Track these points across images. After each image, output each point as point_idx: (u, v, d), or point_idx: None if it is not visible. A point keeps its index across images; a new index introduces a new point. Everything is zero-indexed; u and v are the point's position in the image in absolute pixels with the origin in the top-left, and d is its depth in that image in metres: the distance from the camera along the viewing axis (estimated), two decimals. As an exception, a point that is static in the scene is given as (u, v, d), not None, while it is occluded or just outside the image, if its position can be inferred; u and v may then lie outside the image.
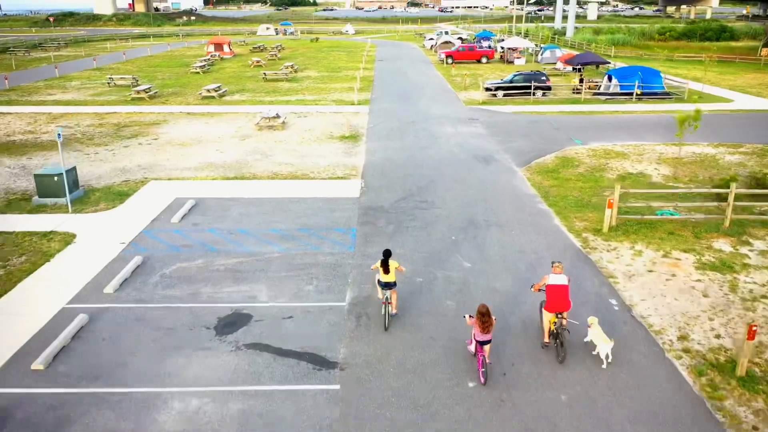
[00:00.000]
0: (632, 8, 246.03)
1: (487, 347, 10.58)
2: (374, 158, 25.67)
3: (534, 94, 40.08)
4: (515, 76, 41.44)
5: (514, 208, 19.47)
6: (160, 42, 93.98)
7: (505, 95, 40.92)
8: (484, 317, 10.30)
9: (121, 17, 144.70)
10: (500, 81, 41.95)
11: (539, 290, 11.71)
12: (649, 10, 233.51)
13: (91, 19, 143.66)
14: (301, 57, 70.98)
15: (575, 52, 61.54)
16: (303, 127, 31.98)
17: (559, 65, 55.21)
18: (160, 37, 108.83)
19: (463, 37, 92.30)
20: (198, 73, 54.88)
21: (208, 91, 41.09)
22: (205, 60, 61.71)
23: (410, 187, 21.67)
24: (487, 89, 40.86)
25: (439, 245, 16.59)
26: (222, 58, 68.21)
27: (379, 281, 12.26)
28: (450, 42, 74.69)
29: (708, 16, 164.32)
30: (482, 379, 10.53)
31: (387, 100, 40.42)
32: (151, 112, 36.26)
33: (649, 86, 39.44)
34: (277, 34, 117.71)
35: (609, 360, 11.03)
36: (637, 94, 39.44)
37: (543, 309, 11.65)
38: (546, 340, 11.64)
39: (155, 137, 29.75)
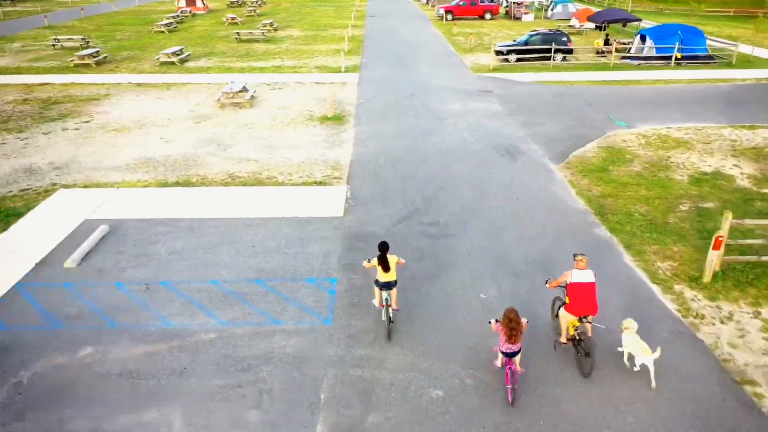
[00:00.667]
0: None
1: (516, 358, 8.68)
2: (364, 150, 19.71)
3: (554, 58, 33.77)
4: (531, 36, 35.02)
5: (562, 236, 13.73)
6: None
7: (518, 59, 34.62)
8: (512, 323, 8.32)
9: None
10: (513, 43, 35.55)
11: (558, 286, 9.48)
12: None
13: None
14: (284, 13, 63.62)
15: (591, 8, 54.67)
16: (276, 104, 25.77)
17: (574, 22, 48.55)
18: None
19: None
20: (162, 32, 47.87)
21: (167, 55, 34.49)
22: (172, 17, 54.45)
23: (412, 198, 15.84)
24: (498, 53, 34.52)
25: (463, 313, 10.89)
26: (194, 15, 60.81)
27: (376, 281, 9.94)
28: (449, -5, 67.40)
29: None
30: (510, 398, 8.58)
31: (380, 66, 34.03)
32: (93, 83, 29.81)
33: (690, 48, 33.20)
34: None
35: (652, 375, 8.79)
36: (676, 58, 33.23)
37: (563, 310, 9.37)
38: (563, 340, 9.52)
39: (88, 119, 23.53)
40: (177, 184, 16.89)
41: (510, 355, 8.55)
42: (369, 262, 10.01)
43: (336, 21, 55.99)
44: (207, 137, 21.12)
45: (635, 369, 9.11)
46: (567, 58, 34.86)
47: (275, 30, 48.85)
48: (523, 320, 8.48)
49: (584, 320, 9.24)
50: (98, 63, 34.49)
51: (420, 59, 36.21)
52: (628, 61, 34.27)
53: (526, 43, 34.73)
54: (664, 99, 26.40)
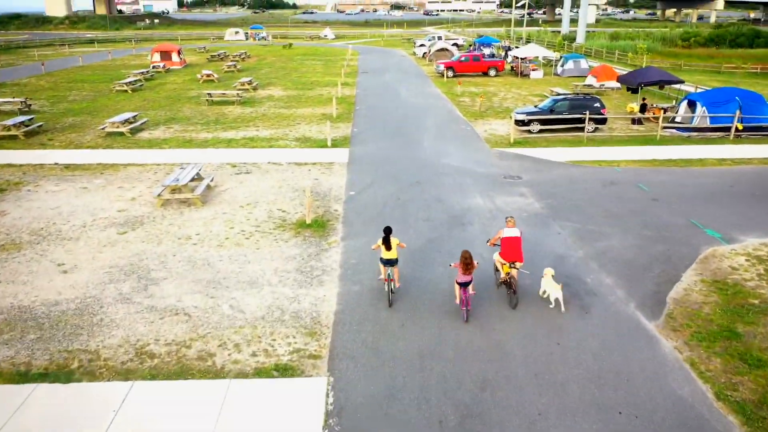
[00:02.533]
0: (625, 11, 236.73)
1: (469, 286, 11.55)
2: (356, 289, 13.15)
3: (586, 128, 27.80)
4: (556, 102, 29.14)
5: None
6: (106, 48, 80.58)
7: (542, 129, 28.62)
8: (467, 260, 11.21)
9: (75, 20, 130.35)
10: (535, 109, 29.62)
11: (494, 245, 12.57)
12: (641, 13, 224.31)
13: (40, 21, 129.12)
14: (267, 68, 58.16)
15: (610, 65, 49.45)
16: (239, 199, 19.29)
17: (592, 81, 43.11)
18: (112, 42, 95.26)
19: (459, 43, 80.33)
20: (125, 91, 41.85)
21: (116, 124, 28.17)
22: (141, 73, 48.65)
23: (442, 405, 9.14)
24: (520, 122, 28.46)
25: None
26: (168, 71, 55.13)
27: (381, 259, 12.20)
28: (446, 49, 62.63)
29: (712, 19, 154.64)
30: (465, 317, 11.55)
31: (375, 138, 27.85)
32: (7, 164, 23.29)
33: (752, 118, 27.35)
34: (246, 39, 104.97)
35: (561, 304, 11.97)
36: (736, 130, 27.32)
37: (498, 255, 12.35)
38: (501, 278, 12.41)
39: (-29, 226, 16.87)
40: (41, 376, 10.09)
41: (464, 285, 11.49)
42: (376, 244, 12.18)
43: (324, 78, 50.40)
44: (126, 263, 14.44)
45: (551, 305, 12.17)
46: (599, 127, 28.91)
47: (254, 89, 42.98)
48: (475, 261, 11.47)
49: (513, 266, 11.97)
50: (28, 134, 28.12)
51: (423, 128, 30.12)
52: (676, 131, 28.33)
53: (551, 109, 28.79)
54: (746, 188, 20.22)
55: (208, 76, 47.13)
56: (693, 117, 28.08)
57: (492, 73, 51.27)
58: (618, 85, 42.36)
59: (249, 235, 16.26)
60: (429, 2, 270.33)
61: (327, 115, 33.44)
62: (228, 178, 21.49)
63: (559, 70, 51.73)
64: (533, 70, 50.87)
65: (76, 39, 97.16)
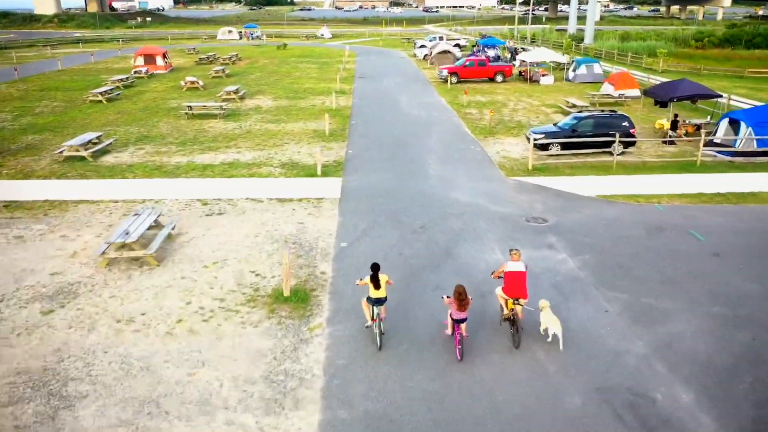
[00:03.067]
0: (627, 8, 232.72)
1: (463, 325, 10.96)
2: (342, 416, 9.55)
3: (614, 151, 24.23)
4: (579, 120, 25.56)
5: None
6: (91, 49, 76.80)
7: (561, 149, 25.04)
8: (461, 296, 10.61)
9: (64, 18, 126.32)
10: (555, 128, 26.02)
11: (498, 277, 11.78)
12: (644, 10, 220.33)
13: (28, 20, 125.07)
14: (258, 72, 54.44)
15: (629, 71, 45.75)
16: (203, 256, 15.68)
17: (608, 89, 39.48)
18: (99, 42, 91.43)
19: (461, 43, 76.65)
20: (99, 102, 38.16)
21: (74, 147, 24.55)
22: (120, 80, 44.93)
23: None
24: (539, 146, 24.80)
25: None
26: (151, 76, 51.39)
27: (369, 298, 11.22)
28: (448, 52, 58.99)
29: (719, 17, 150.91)
30: (459, 356, 10.92)
31: (372, 164, 24.24)
32: (-63, 203, 19.70)
33: (806, 140, 23.79)
34: (240, 38, 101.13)
35: (559, 339, 11.14)
36: (789, 154, 23.76)
37: (501, 290, 11.56)
38: (505, 315, 11.57)
39: None
40: None
41: (459, 322, 10.87)
42: (362, 280, 11.29)
43: (318, 84, 46.70)
44: (40, 367, 10.86)
45: (548, 339, 11.40)
46: (627, 150, 25.34)
47: (241, 99, 39.30)
48: (469, 297, 10.84)
49: (517, 303, 11.24)
50: (-27, 160, 24.48)
51: (426, 148, 26.49)
52: (717, 155, 24.74)
53: (573, 129, 25.17)
54: (824, 238, 16.62)
55: (192, 83, 43.44)
56: (736, 140, 24.45)
57: (499, 78, 47.61)
58: (638, 93, 38.82)
59: (209, 315, 12.66)
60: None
61: (319, 132, 29.81)
62: (195, 222, 17.87)
63: (571, 75, 48.11)
64: (543, 75, 47.21)
65: (61, 39, 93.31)
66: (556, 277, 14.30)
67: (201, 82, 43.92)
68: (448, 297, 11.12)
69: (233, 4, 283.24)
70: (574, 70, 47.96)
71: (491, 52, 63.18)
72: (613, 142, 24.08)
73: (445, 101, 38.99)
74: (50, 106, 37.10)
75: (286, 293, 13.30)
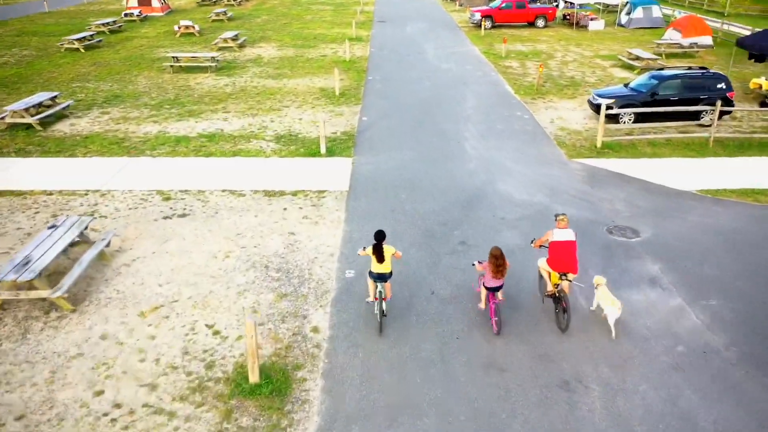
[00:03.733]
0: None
1: (499, 293, 9.41)
2: None
3: (699, 119, 18.60)
4: (658, 79, 19.73)
5: None
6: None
7: (635, 120, 19.39)
8: (498, 260, 8.98)
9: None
10: (626, 90, 20.23)
11: (540, 247, 9.86)
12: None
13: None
14: (265, 15, 48.26)
15: (699, 15, 38.74)
16: (142, 294, 10.79)
17: (673, 35, 33.03)
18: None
19: (493, -18, 68.67)
20: (77, 50, 32.82)
21: (18, 113, 19.50)
22: (105, 24, 39.29)
23: None
24: (601, 109, 19.08)
25: None
26: (144, 18, 45.57)
27: (370, 273, 9.38)
28: (480, -9, 51.98)
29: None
30: (495, 329, 9.41)
31: (391, 138, 18.85)
32: None
33: None
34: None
35: (612, 325, 9.31)
36: None
37: (545, 262, 9.71)
38: (549, 290, 9.69)
39: None
40: None
41: (494, 290, 9.27)
42: (364, 250, 9.50)
43: (331, 30, 40.62)
44: None
45: (603, 315, 9.68)
46: (721, 118, 19.60)
47: (240, 47, 33.62)
48: (507, 261, 9.16)
49: (564, 278, 9.42)
50: None
51: (462, 116, 20.95)
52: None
53: (652, 93, 19.38)
54: None
55: (187, 28, 37.70)
56: None
57: (540, 23, 40.99)
58: (710, 42, 32.40)
59: (124, 424, 7.77)
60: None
61: (327, 91, 24.32)
62: (146, 230, 12.88)
63: (624, 19, 41.28)
64: (592, 19, 40.49)
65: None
66: (677, 347, 9.14)
67: (197, 27, 38.14)
68: (480, 262, 9.51)
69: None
70: (628, 14, 41.11)
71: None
72: (705, 110, 18.33)
73: (480, 51, 32.91)
74: (18, 55, 31.87)
75: (253, 379, 8.35)
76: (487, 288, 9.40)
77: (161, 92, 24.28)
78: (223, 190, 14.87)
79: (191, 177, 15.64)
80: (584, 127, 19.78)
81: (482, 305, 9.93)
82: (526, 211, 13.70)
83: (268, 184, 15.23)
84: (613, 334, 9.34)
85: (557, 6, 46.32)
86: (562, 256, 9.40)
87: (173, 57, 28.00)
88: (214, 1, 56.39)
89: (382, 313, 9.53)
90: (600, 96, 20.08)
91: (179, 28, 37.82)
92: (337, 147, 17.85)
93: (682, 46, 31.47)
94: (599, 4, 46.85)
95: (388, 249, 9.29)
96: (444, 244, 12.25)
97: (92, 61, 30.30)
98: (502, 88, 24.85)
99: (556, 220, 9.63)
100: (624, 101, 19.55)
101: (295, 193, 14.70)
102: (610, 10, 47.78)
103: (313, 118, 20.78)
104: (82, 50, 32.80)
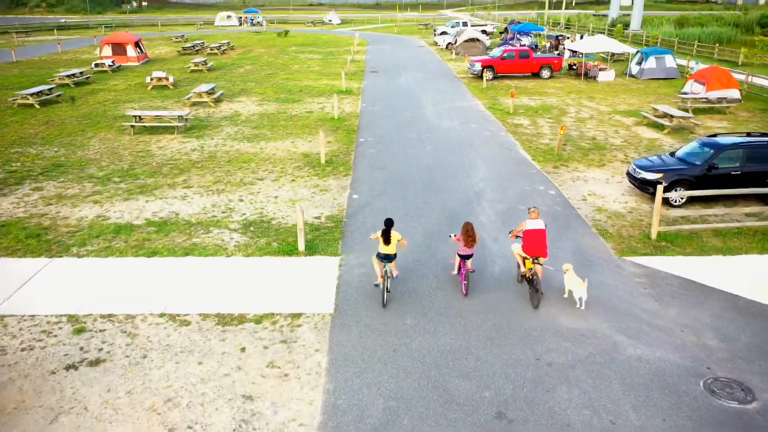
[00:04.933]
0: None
1: (469, 261, 11.20)
2: None
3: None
4: (711, 148, 16.16)
5: None
6: (66, 36, 67.80)
7: (688, 199, 15.68)
8: (469, 233, 10.89)
9: (53, 2, 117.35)
10: (672, 161, 16.63)
11: (516, 237, 11.45)
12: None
13: (15, 3, 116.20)
14: (249, 65, 45.13)
15: (725, 68, 35.86)
16: None
17: (697, 89, 29.89)
18: (84, 29, 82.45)
19: (488, 29, 66.75)
20: (31, 106, 29.12)
21: None
22: (71, 75, 35.75)
23: None
24: (646, 183, 15.29)
25: None
26: (117, 68, 42.23)
27: (378, 254, 10.97)
28: (477, 40, 49.50)
29: (763, 0, 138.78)
30: (464, 291, 11.26)
31: (388, 216, 14.84)
32: None
33: None
34: (240, 24, 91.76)
35: (583, 302, 10.83)
36: None
37: (520, 248, 11.32)
38: (523, 271, 11.40)
39: None
40: None
41: (465, 258, 11.15)
42: (375, 234, 11.01)
43: (319, 81, 37.36)
44: None
45: (578, 305, 10.95)
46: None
47: (216, 102, 30.08)
48: (476, 236, 11.11)
49: (536, 261, 10.92)
50: None
51: (474, 191, 17.18)
52: None
53: (710, 165, 15.72)
54: None
55: (160, 80, 34.25)
56: None
57: (545, 74, 37.97)
58: (738, 96, 29.20)
59: None
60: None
61: (312, 158, 20.58)
62: (33, 392, 8.77)
63: (634, 69, 38.39)
64: (602, 69, 37.51)
65: (41, 24, 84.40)
66: None
67: (171, 79, 34.72)
68: (455, 235, 11.31)
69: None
70: (639, 63, 38.21)
71: (525, 40, 53.50)
72: (779, 188, 14.66)
73: (484, 106, 29.55)
74: (-38, 112, 28.08)
75: None
76: (459, 255, 11.19)
77: (114, 159, 20.43)
78: (162, 314, 10.81)
79: (120, 292, 11.58)
80: (625, 207, 16.04)
81: (455, 272, 11.86)
82: (579, 350, 9.71)
83: (225, 302, 11.19)
84: (580, 306, 10.88)
85: (562, 55, 43.45)
86: (534, 243, 10.88)
87: (134, 116, 24.27)
88: (197, 50, 53.45)
89: (387, 290, 10.99)
90: (643, 168, 16.41)
91: (151, 79, 34.34)
92: (320, 240, 13.92)
93: (709, 101, 28.22)
94: (604, 53, 44.21)
95: (395, 235, 10.83)
96: (472, 414, 8.18)
97: (45, 119, 26.56)
98: (516, 153, 21.22)
99: (528, 211, 11.18)
100: (674, 176, 15.87)
101: (259, 320, 10.66)
102: (616, 59, 45.09)
103: (293, 195, 16.93)
104: (37, 105, 29.10)
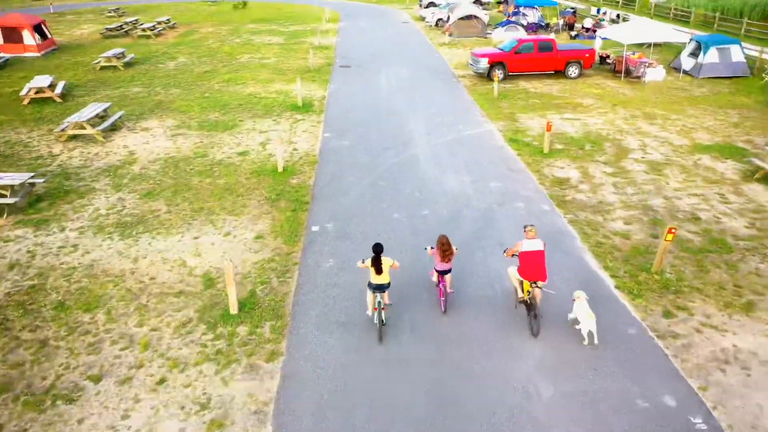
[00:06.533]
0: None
1: (447, 277, 10.32)
2: None
3: None
4: None
5: None
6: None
7: None
8: (444, 246, 9.97)
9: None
10: None
11: (512, 256, 10.10)
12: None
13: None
14: (184, 55, 34.89)
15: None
16: None
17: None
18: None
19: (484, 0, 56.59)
20: None
21: None
22: None
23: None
24: None
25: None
26: (5, 63, 31.81)
27: (369, 284, 9.75)
28: (475, 17, 39.61)
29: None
30: (443, 308, 10.36)
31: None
32: None
33: None
34: (197, -8, 79.66)
35: (594, 339, 9.53)
36: None
37: (516, 271, 10.06)
38: (520, 296, 10.11)
39: None
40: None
41: (443, 273, 10.19)
42: (363, 262, 9.76)
43: (270, 86, 27.49)
44: None
45: (585, 341, 9.58)
46: None
47: (104, 134, 20.25)
48: (454, 247, 10.09)
49: (535, 285, 9.73)
50: None
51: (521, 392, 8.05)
52: None
53: None
54: None
55: (39, 91, 24.21)
56: None
57: (572, 71, 28.39)
58: None
59: None
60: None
61: (216, 288, 11.14)
62: None
63: (687, 63, 29.04)
64: (649, 65, 28.03)
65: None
66: None
67: (59, 89, 24.69)
68: (431, 248, 10.40)
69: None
70: (694, 55, 28.84)
71: (530, 14, 43.53)
72: None
73: (501, 135, 20.15)
74: None
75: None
76: (437, 271, 10.23)
77: None
78: None
79: None
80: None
81: (434, 279, 10.67)
82: None
83: None
84: (586, 342, 9.57)
85: (579, 36, 33.69)
86: (532, 265, 9.69)
87: (-59, 183, 14.55)
88: (127, 31, 42.77)
89: (382, 323, 9.76)
90: None
91: (28, 91, 24.26)
92: None
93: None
94: (646, 44, 34.32)
95: (386, 261, 9.60)
96: None
97: None
98: (579, 259, 12.03)
99: (524, 230, 9.88)
100: None
101: None
102: (647, 47, 35.48)
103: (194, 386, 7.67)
104: None
